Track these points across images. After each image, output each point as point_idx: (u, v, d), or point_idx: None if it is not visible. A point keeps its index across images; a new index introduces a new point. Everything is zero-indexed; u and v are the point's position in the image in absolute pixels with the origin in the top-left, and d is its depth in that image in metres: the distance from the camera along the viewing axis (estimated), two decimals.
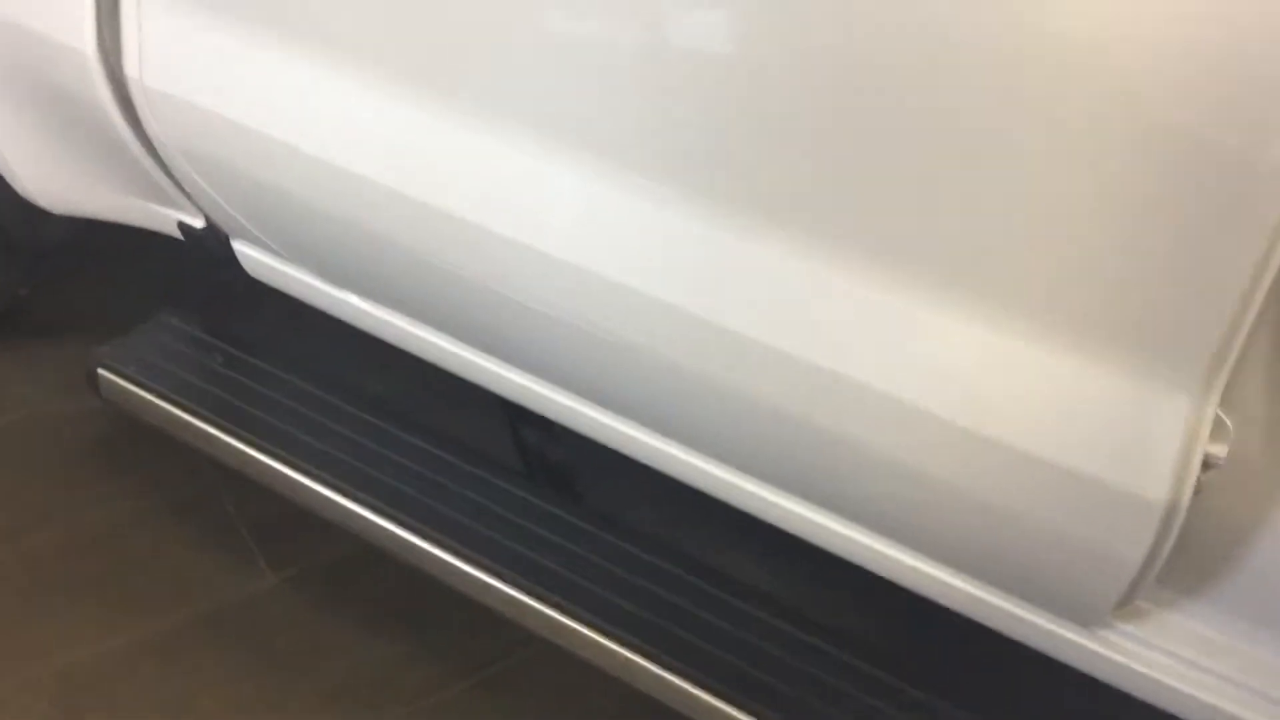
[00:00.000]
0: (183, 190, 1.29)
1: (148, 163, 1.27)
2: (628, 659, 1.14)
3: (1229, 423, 0.73)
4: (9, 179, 1.39)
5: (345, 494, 1.25)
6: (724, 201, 0.86)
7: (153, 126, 1.20)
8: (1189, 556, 0.80)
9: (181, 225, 1.38)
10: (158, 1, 1.11)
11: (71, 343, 1.79)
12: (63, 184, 1.38)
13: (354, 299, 1.28)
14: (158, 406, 1.31)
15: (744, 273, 0.87)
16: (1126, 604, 0.83)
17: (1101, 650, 0.88)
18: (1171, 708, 0.88)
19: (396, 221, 1.08)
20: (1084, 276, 0.72)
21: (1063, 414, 0.75)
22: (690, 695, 1.11)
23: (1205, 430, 0.71)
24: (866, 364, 0.81)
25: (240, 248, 1.34)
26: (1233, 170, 0.65)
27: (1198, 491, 0.73)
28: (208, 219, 1.34)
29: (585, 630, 1.16)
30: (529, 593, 1.19)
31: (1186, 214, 0.67)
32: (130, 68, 1.16)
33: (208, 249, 1.37)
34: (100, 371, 1.35)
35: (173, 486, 1.59)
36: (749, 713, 1.08)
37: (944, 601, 0.97)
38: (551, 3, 0.89)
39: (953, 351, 0.78)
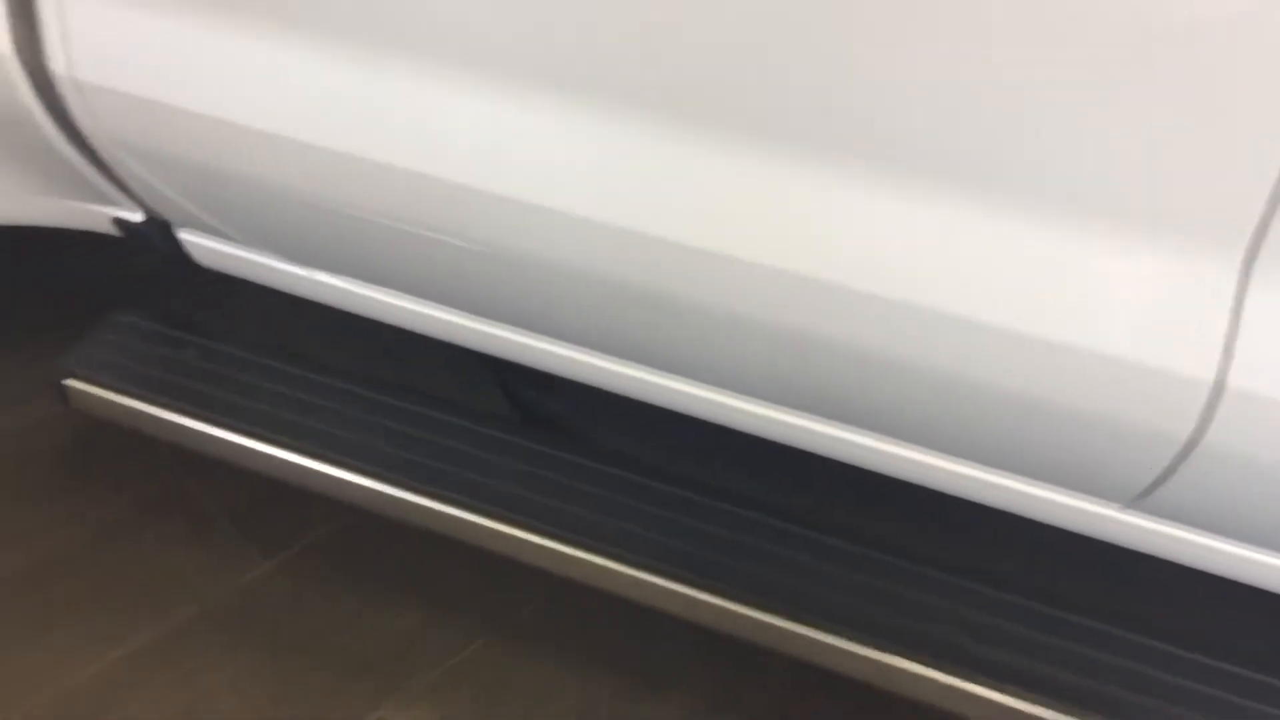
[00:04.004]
0: (119, 185, 1.23)
1: (78, 161, 1.20)
2: (652, 585, 1.16)
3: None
4: None
5: (346, 467, 1.24)
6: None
7: (86, 122, 1.13)
8: None
9: (118, 221, 1.31)
10: None
11: None
12: None
13: (319, 276, 1.24)
14: (137, 410, 1.26)
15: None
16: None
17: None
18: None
19: (363, 189, 1.06)
20: (1114, 162, 0.76)
21: (1109, 303, 0.80)
22: (720, 609, 1.14)
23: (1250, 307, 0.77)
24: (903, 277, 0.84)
25: (186, 236, 1.29)
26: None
27: None
28: (147, 211, 1.28)
29: (604, 562, 1.17)
30: (540, 533, 1.19)
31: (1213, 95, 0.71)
32: (56, 63, 1.09)
33: (149, 242, 1.30)
34: (69, 382, 1.29)
35: (138, 490, 1.54)
36: (774, 613, 1.12)
37: (984, 499, 1.03)
38: None
39: (993, 253, 0.82)
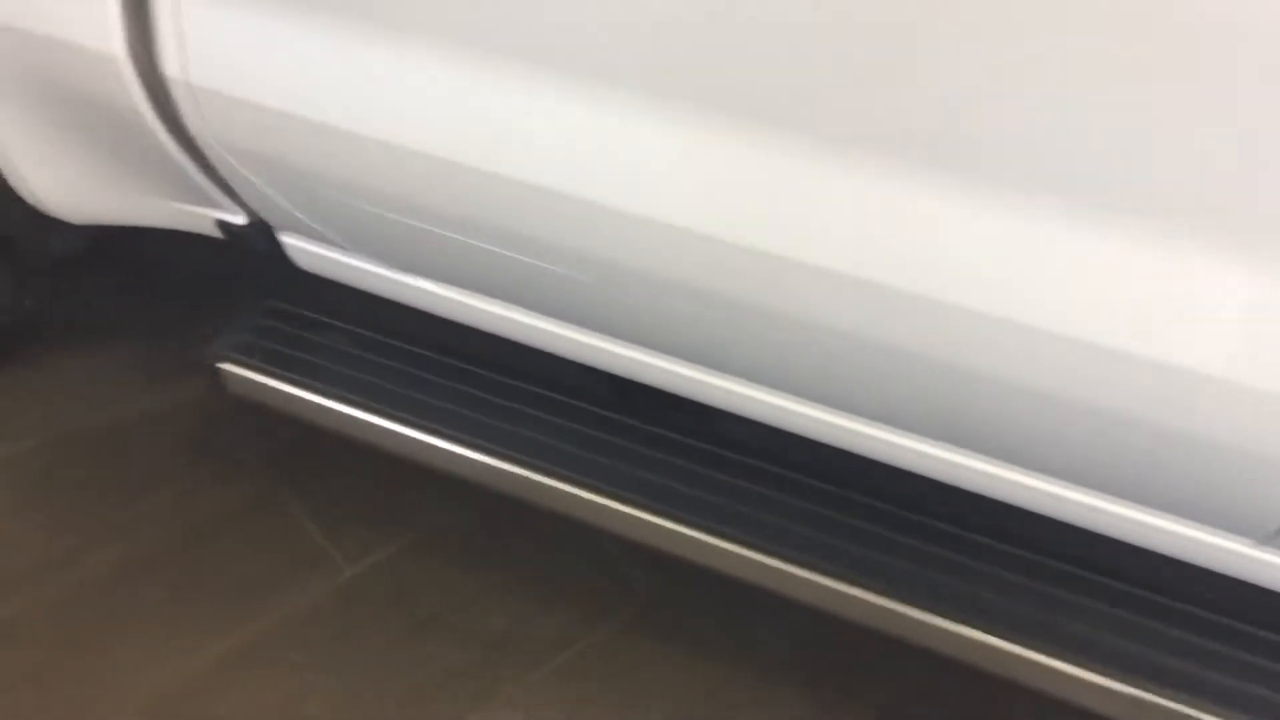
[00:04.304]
0: (224, 188, 1.23)
1: (185, 163, 1.20)
2: (783, 572, 1.14)
3: None
4: (22, 192, 1.31)
5: (484, 450, 1.25)
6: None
7: (196, 126, 1.13)
8: None
9: (220, 223, 1.31)
10: None
11: (89, 354, 1.73)
12: (85, 193, 1.30)
13: (421, 282, 1.24)
14: (288, 393, 1.29)
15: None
16: None
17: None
18: None
19: (474, 199, 1.05)
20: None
21: (1254, 334, 0.77)
22: (840, 594, 1.12)
23: None
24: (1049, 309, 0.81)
25: (288, 240, 1.29)
26: None
27: None
28: (250, 214, 1.28)
29: (734, 548, 1.16)
30: (669, 517, 1.18)
31: None
32: (170, 67, 1.09)
33: (251, 245, 1.31)
34: (223, 366, 1.30)
35: (238, 491, 1.55)
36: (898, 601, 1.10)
37: (1105, 531, 1.00)
38: None
39: (1135, 282, 0.79)
